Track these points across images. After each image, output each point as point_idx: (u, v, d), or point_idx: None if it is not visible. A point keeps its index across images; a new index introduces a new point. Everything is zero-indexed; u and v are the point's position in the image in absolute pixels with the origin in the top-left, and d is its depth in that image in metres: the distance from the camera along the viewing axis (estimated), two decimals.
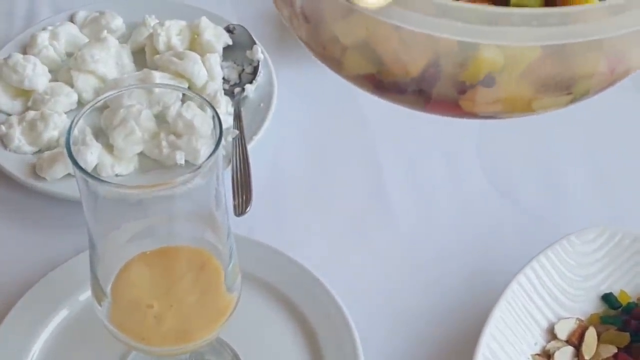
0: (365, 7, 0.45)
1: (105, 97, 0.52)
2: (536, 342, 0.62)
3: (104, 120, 0.71)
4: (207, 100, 0.50)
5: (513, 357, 0.60)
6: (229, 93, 0.78)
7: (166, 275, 0.53)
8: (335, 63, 0.55)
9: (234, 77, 0.80)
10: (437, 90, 0.53)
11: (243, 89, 0.78)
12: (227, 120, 0.75)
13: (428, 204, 0.73)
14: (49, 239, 0.69)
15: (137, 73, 0.77)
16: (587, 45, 0.49)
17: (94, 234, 0.51)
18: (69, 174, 0.71)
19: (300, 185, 0.74)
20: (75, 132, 0.48)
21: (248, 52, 0.81)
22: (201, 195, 0.51)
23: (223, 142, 0.48)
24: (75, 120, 0.48)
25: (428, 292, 0.67)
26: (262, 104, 0.77)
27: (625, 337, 0.61)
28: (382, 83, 0.54)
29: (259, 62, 0.80)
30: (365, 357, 0.61)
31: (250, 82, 0.79)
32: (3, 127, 0.74)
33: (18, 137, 0.73)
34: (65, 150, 0.47)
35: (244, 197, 0.69)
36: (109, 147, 0.70)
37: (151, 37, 0.80)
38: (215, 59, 0.78)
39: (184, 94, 0.70)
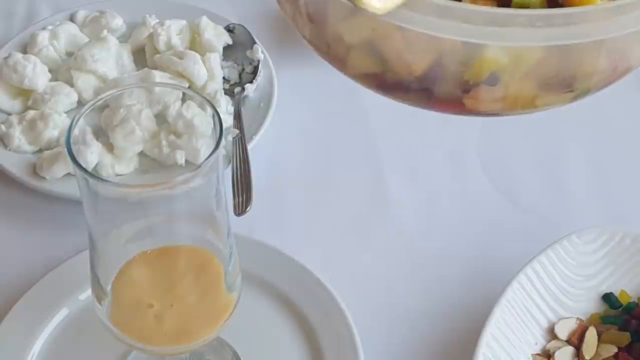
0: (374, 13, 0.45)
1: (105, 97, 0.52)
2: (536, 341, 0.62)
3: (104, 120, 0.71)
4: (207, 100, 0.50)
5: (513, 356, 0.60)
6: (229, 93, 0.78)
7: (166, 274, 0.53)
8: (339, 62, 0.56)
9: (234, 76, 0.80)
10: (441, 89, 0.53)
11: (243, 89, 0.78)
12: (227, 120, 0.75)
13: (429, 203, 0.73)
14: (49, 238, 0.69)
15: (137, 73, 0.77)
16: (590, 45, 0.49)
17: (94, 233, 0.51)
18: (69, 174, 0.71)
19: (300, 184, 0.74)
20: (76, 131, 0.48)
21: (248, 52, 0.81)
22: (201, 194, 0.51)
23: (223, 141, 0.48)
24: (75, 120, 0.48)
25: (428, 291, 0.67)
26: (262, 104, 0.77)
27: (626, 337, 0.61)
28: (386, 82, 0.54)
29: (259, 61, 0.80)
30: (366, 356, 0.61)
31: (251, 82, 0.79)
32: (3, 127, 0.74)
33: (18, 136, 0.73)
34: (65, 150, 0.47)
35: (244, 197, 0.69)
36: (109, 147, 0.70)
37: (151, 36, 0.80)
38: (216, 58, 0.78)
39: (184, 94, 0.71)
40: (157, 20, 0.81)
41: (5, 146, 0.73)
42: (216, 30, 0.80)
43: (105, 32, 0.79)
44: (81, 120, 0.49)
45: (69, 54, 0.80)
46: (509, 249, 0.69)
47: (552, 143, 0.78)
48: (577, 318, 0.63)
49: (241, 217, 0.68)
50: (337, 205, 0.73)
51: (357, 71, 0.55)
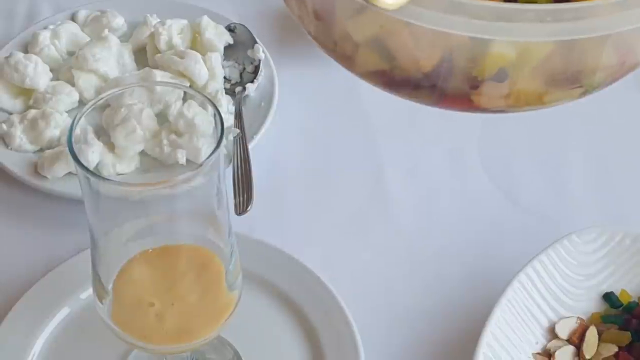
0: (384, 9, 0.44)
1: (106, 96, 0.52)
2: (537, 341, 0.62)
3: (105, 119, 0.71)
4: (208, 99, 0.50)
5: (514, 356, 0.60)
6: (230, 92, 0.78)
7: (167, 273, 0.53)
8: (346, 60, 0.56)
9: (235, 76, 0.80)
10: (449, 85, 0.53)
11: (244, 88, 0.78)
12: (228, 120, 0.75)
13: (429, 202, 0.74)
14: (50, 237, 0.69)
15: (138, 72, 0.77)
16: (599, 39, 0.50)
17: (96, 232, 0.51)
18: (70, 173, 0.71)
19: (301, 184, 0.75)
20: (77, 130, 0.48)
21: (249, 51, 0.81)
22: (202, 193, 0.51)
23: (224, 141, 0.48)
24: (76, 119, 0.48)
25: (429, 290, 0.67)
26: (263, 103, 0.77)
27: (626, 336, 0.61)
28: (394, 79, 0.54)
29: (260, 61, 0.80)
30: (366, 354, 0.61)
31: (252, 81, 0.79)
32: (4, 126, 0.74)
33: (19, 135, 0.73)
34: (66, 149, 0.47)
35: (245, 196, 0.69)
36: (111, 146, 0.70)
37: (152, 36, 0.80)
38: (217, 58, 0.78)
39: (185, 93, 0.71)
40: (158, 20, 0.81)
41: (7, 145, 0.73)
42: (217, 30, 0.80)
43: (106, 31, 0.79)
44: (82, 119, 0.49)
45: (70, 54, 0.80)
46: (509, 248, 0.69)
47: (553, 142, 0.78)
48: (578, 317, 0.63)
49: (242, 217, 0.68)
50: (337, 205, 0.73)
51: (365, 69, 0.55)
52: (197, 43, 0.80)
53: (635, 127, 0.80)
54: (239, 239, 0.55)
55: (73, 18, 0.84)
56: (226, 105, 0.76)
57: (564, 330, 0.62)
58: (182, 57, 0.76)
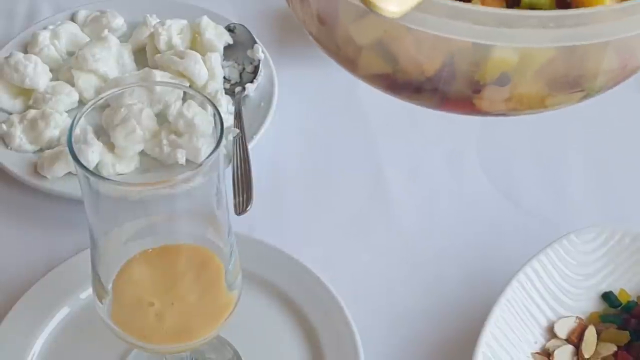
0: (389, 17, 0.44)
1: (106, 96, 0.52)
2: (536, 340, 0.62)
3: (105, 119, 0.71)
4: (208, 99, 0.50)
5: (513, 355, 0.60)
6: (230, 92, 0.78)
7: (167, 273, 0.54)
8: (349, 63, 0.56)
9: (234, 76, 0.80)
10: (452, 89, 0.53)
11: (244, 88, 0.78)
12: (228, 120, 0.75)
13: (428, 202, 0.74)
14: (50, 237, 0.70)
15: (138, 72, 0.77)
16: (601, 44, 0.50)
17: (95, 232, 0.52)
18: (70, 173, 0.71)
19: (300, 184, 0.75)
20: (77, 130, 0.48)
21: (249, 52, 0.81)
22: (202, 193, 0.51)
23: (224, 140, 0.48)
24: (76, 119, 0.48)
25: (428, 290, 0.67)
26: (262, 103, 0.77)
27: (625, 336, 0.61)
28: (396, 82, 0.54)
29: (259, 61, 0.80)
30: (366, 354, 0.61)
31: (251, 81, 0.79)
32: (4, 126, 0.74)
33: (19, 135, 0.73)
34: (66, 149, 0.47)
35: (245, 196, 0.69)
36: (110, 146, 0.70)
37: (152, 36, 0.80)
38: (216, 58, 0.78)
39: (185, 93, 0.71)
40: (158, 20, 0.81)
41: (7, 145, 0.73)
42: (217, 30, 0.80)
43: (106, 31, 0.79)
44: (82, 119, 0.49)
45: (70, 54, 0.80)
46: (508, 249, 0.69)
47: (552, 143, 0.78)
48: (577, 317, 0.63)
49: (241, 216, 0.68)
50: (337, 205, 0.73)
51: (368, 72, 0.55)
52: (196, 43, 0.80)
53: (635, 128, 0.80)
54: (238, 238, 0.55)
55: (73, 18, 0.84)
56: (226, 105, 0.76)
57: (562, 330, 0.62)
58: (181, 58, 0.77)
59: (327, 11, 0.54)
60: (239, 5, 0.88)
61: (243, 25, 0.83)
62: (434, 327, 0.65)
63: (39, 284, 0.65)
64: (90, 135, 0.68)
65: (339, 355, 0.62)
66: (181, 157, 0.70)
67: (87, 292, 0.63)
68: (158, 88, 0.71)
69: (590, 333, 0.61)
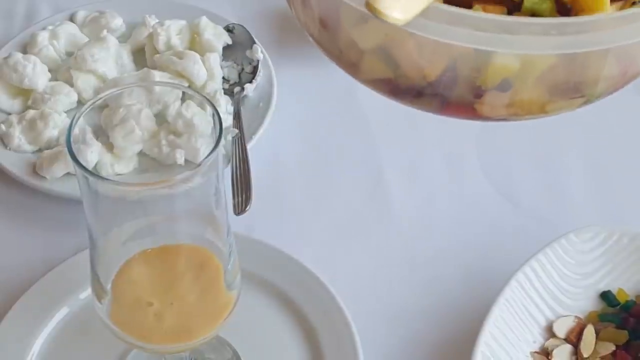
0: (393, 24, 0.45)
1: (105, 96, 0.52)
2: (535, 340, 0.62)
3: (104, 119, 0.71)
4: (207, 99, 0.50)
5: (512, 355, 0.60)
6: (229, 92, 0.78)
7: (166, 273, 0.54)
8: (352, 67, 0.56)
9: (233, 76, 0.80)
10: (453, 94, 0.53)
11: (243, 89, 0.78)
12: (227, 120, 0.75)
13: (428, 202, 0.74)
14: (49, 237, 0.70)
15: (136, 72, 0.77)
16: (602, 51, 0.50)
17: (95, 232, 0.52)
18: (68, 173, 0.71)
19: (299, 184, 0.75)
20: (76, 130, 0.48)
21: (248, 52, 0.81)
22: (201, 193, 0.51)
23: (223, 140, 0.48)
24: (75, 119, 0.48)
25: (427, 290, 0.67)
26: (261, 103, 0.78)
27: (624, 335, 0.61)
28: (398, 87, 0.54)
29: (258, 61, 0.80)
30: (365, 354, 0.61)
31: (250, 82, 0.79)
32: (3, 126, 0.74)
33: (18, 136, 0.73)
34: (65, 149, 0.47)
35: (244, 196, 0.69)
36: (109, 146, 0.70)
37: (151, 36, 0.80)
38: (215, 58, 0.78)
39: (183, 93, 0.70)
40: (157, 20, 0.81)
41: (5, 146, 0.73)
42: (216, 30, 0.81)
43: (105, 32, 0.79)
44: (81, 119, 0.49)
45: (69, 54, 0.80)
46: (507, 249, 0.69)
47: (551, 144, 0.78)
48: (575, 316, 0.63)
49: (240, 216, 0.68)
50: (336, 205, 0.73)
51: (370, 76, 0.56)
52: (195, 43, 0.80)
53: (633, 130, 0.80)
54: (237, 238, 0.56)
55: (72, 19, 0.84)
56: (225, 106, 0.76)
57: (561, 329, 0.62)
58: (180, 58, 0.77)
59: (329, 15, 0.55)
60: (238, 6, 0.88)
61: (242, 26, 0.83)
62: (433, 327, 0.65)
63: (38, 284, 0.65)
64: (89, 136, 0.68)
65: (339, 355, 0.62)
66: (180, 157, 0.70)
67: (87, 292, 0.63)
68: (157, 88, 0.71)
69: (589, 332, 0.62)
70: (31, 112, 0.75)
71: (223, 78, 0.79)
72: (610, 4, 0.51)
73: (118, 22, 0.83)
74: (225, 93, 0.77)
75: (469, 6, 0.51)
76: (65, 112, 0.76)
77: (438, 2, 0.47)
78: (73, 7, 0.85)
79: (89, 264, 0.54)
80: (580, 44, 0.47)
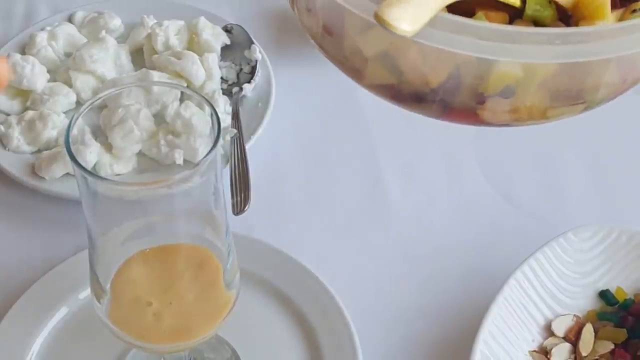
0: (402, 35, 0.45)
1: (104, 96, 0.52)
2: (533, 338, 0.62)
3: (102, 120, 0.71)
4: (205, 99, 0.51)
5: (511, 353, 0.60)
6: (227, 93, 0.78)
7: (165, 272, 0.54)
8: (356, 73, 0.56)
9: (232, 76, 0.80)
10: (456, 101, 0.54)
11: (241, 89, 0.78)
12: (226, 120, 0.75)
13: (426, 202, 0.74)
14: (48, 237, 0.70)
15: (135, 73, 0.77)
16: (603, 60, 0.50)
17: (94, 232, 0.52)
18: (67, 173, 0.71)
19: (298, 184, 0.75)
20: (75, 131, 0.48)
21: (246, 52, 0.81)
22: (200, 193, 0.51)
23: (221, 140, 0.48)
24: (74, 119, 0.48)
25: (426, 289, 0.67)
26: (260, 104, 0.78)
27: (622, 334, 0.61)
28: (401, 93, 0.55)
29: (257, 61, 0.80)
30: (364, 353, 0.61)
31: (249, 82, 0.79)
32: (2, 127, 0.74)
33: (17, 136, 0.73)
34: (64, 150, 0.47)
35: (243, 196, 0.70)
36: (108, 147, 0.71)
37: (149, 37, 0.80)
38: (214, 58, 0.78)
39: (182, 93, 0.71)
40: (155, 21, 0.81)
41: (4, 146, 0.73)
42: (214, 31, 0.81)
43: (103, 32, 0.79)
44: (80, 120, 0.49)
45: (68, 55, 0.80)
46: (506, 249, 0.69)
47: (549, 144, 0.79)
48: (574, 315, 0.63)
49: (239, 216, 0.68)
50: (335, 205, 0.73)
51: (374, 82, 0.56)
52: (194, 44, 0.80)
53: (632, 130, 0.80)
54: (236, 238, 0.56)
55: (70, 19, 0.84)
56: (223, 106, 0.76)
57: (560, 328, 0.62)
58: (179, 58, 0.77)
59: (333, 22, 0.55)
60: (236, 6, 0.88)
61: (240, 26, 0.83)
62: (432, 326, 0.65)
63: (37, 284, 0.65)
64: (88, 136, 0.68)
65: (338, 355, 0.62)
66: (179, 157, 0.70)
67: (86, 292, 0.63)
68: (155, 88, 0.71)
69: (588, 331, 0.62)
70: (30, 113, 0.75)
71: (221, 78, 0.79)
72: (611, 12, 0.52)
73: (116, 23, 0.83)
74: (223, 93, 0.77)
75: (471, 13, 0.52)
76: (64, 112, 0.76)
77: (442, 11, 0.47)
78: (71, 7, 0.86)
79: (88, 263, 0.54)
80: (583, 54, 0.48)
